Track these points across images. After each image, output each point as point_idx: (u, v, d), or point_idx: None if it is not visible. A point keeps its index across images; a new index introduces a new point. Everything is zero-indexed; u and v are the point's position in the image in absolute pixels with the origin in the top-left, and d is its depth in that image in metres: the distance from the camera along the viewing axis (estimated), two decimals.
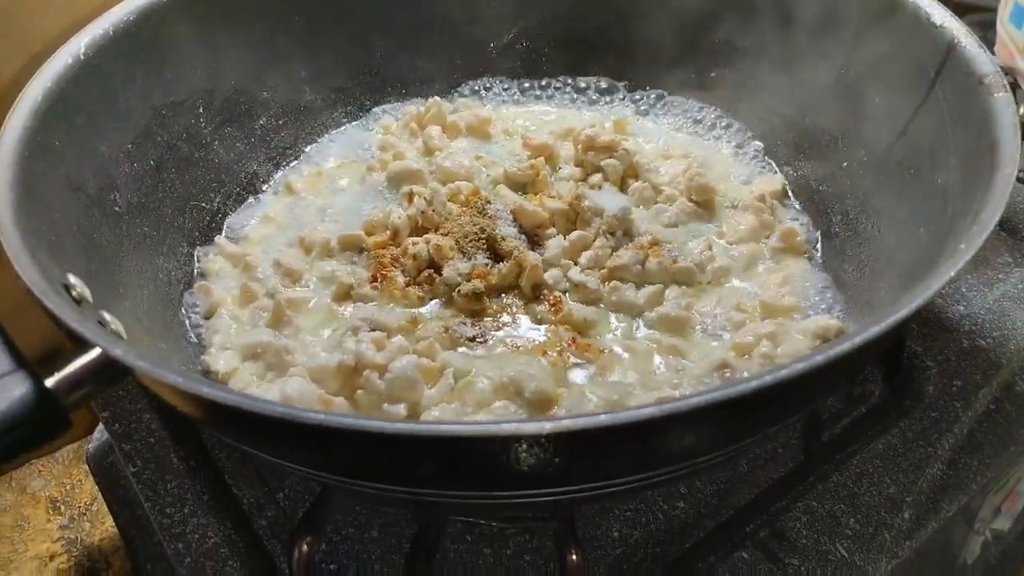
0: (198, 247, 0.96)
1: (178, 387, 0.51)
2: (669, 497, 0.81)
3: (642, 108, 1.15)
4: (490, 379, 0.77)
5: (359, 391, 0.77)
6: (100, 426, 1.00)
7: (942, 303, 0.96)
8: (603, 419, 0.48)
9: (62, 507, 1.35)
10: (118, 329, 0.67)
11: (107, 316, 0.67)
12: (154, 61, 0.92)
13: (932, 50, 0.81)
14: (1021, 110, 1.11)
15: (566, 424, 0.48)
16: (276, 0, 1.04)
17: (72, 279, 0.67)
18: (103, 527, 1.32)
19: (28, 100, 0.75)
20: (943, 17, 0.81)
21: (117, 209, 0.84)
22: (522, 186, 1.02)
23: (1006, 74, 1.08)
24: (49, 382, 0.56)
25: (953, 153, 0.75)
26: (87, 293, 0.67)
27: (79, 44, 0.83)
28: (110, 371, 0.57)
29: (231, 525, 0.80)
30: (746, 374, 0.78)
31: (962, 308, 0.96)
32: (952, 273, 0.56)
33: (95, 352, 0.56)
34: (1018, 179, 1.10)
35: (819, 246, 0.95)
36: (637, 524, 0.79)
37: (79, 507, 1.35)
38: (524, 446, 0.51)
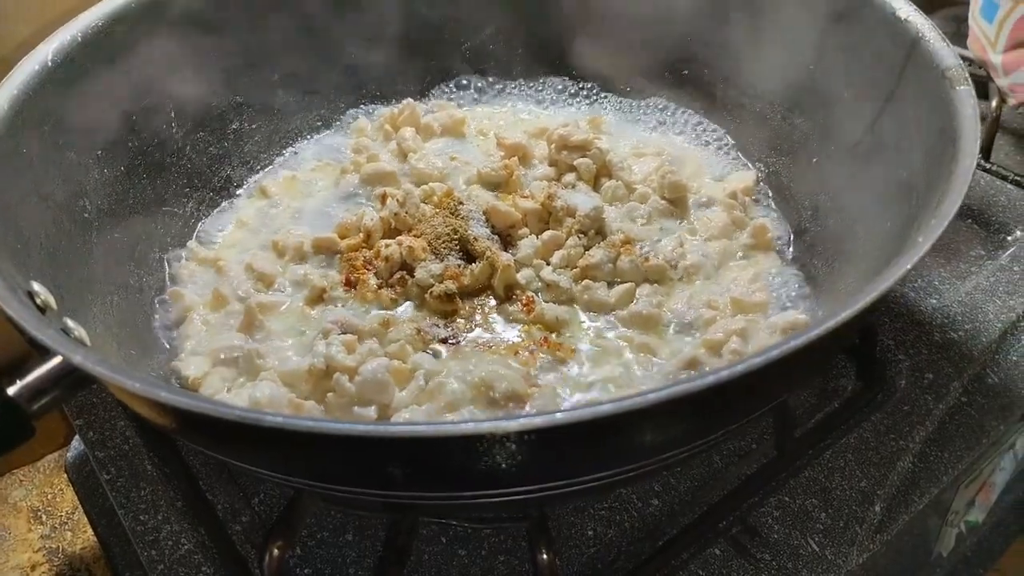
0: (169, 252, 0.95)
1: (136, 392, 0.51)
2: (643, 495, 0.81)
3: (615, 107, 1.16)
4: (461, 380, 0.77)
5: (329, 394, 0.77)
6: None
7: (914, 296, 0.97)
8: (559, 417, 0.48)
9: (43, 516, 1.35)
10: (81, 336, 0.67)
11: (70, 323, 0.67)
12: (123, 67, 0.91)
13: (898, 44, 0.81)
14: (994, 102, 1.13)
15: (525, 423, 0.48)
16: (246, 4, 1.04)
17: (36, 287, 0.67)
18: (85, 536, 1.31)
19: None
20: (907, 12, 0.82)
21: (87, 216, 0.84)
22: (496, 186, 1.01)
23: (979, 68, 1.09)
24: (11, 390, 0.56)
25: (917, 147, 0.75)
26: (51, 301, 0.67)
27: (47, 50, 0.83)
28: (73, 378, 0.57)
29: (205, 531, 0.80)
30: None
31: (934, 301, 0.96)
32: (908, 266, 0.56)
33: (57, 359, 0.57)
34: (991, 172, 1.11)
35: (790, 242, 0.95)
36: (611, 522, 0.79)
37: (61, 516, 1.34)
38: (487, 445, 0.51)
